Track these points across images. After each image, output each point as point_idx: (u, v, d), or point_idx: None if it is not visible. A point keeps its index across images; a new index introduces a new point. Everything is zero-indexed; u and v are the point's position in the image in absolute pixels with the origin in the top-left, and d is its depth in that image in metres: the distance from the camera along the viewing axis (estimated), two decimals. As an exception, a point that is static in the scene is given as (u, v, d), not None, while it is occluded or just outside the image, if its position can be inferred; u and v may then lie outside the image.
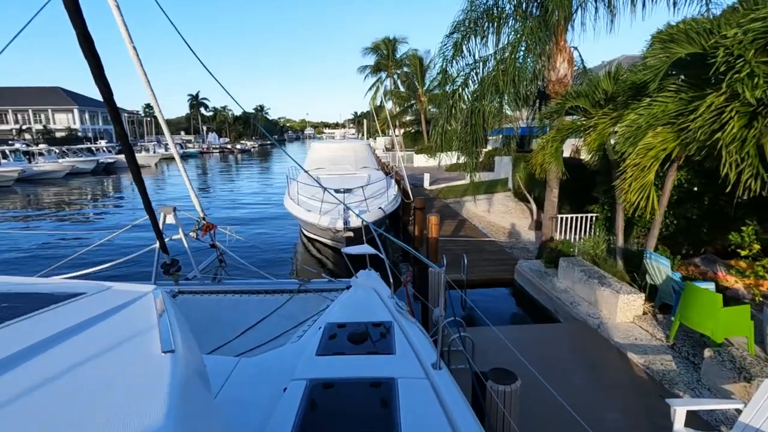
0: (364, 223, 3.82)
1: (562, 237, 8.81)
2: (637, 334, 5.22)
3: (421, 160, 31.36)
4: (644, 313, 5.60)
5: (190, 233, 4.72)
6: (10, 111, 56.16)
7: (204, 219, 5.01)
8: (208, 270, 5.00)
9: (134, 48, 3.81)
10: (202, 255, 4.93)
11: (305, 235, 11.55)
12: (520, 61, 7.33)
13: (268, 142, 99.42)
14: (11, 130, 53.45)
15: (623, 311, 5.51)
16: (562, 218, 8.46)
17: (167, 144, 58.77)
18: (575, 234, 8.62)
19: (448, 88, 8.99)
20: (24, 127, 53.77)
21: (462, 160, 9.46)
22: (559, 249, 7.88)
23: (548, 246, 8.86)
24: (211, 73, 4.08)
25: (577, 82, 8.96)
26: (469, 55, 8.87)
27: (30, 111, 56.45)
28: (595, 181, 8.20)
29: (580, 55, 9.24)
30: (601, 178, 7.46)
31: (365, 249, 4.09)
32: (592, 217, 8.40)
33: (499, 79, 7.27)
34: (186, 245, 4.64)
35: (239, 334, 3.71)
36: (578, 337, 5.44)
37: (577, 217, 8.55)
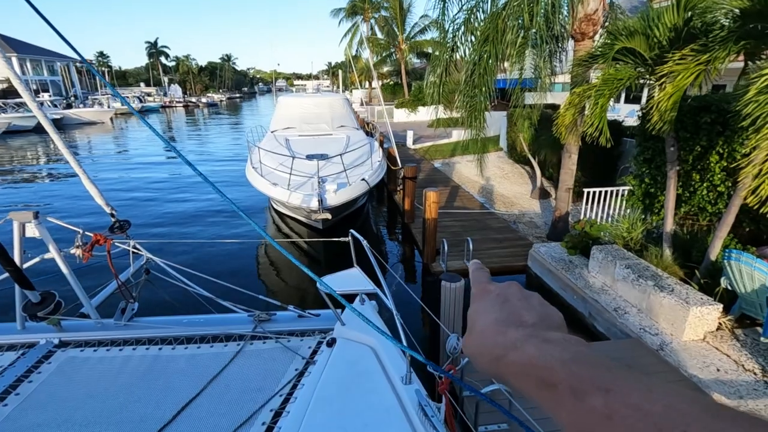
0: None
1: (581, 214, 7.41)
2: (717, 362, 3.94)
3: (401, 115, 29.27)
4: (719, 329, 4.31)
5: (72, 250, 2.96)
6: (-64, 58, 49.46)
7: (113, 216, 3.27)
8: (119, 296, 3.30)
9: None
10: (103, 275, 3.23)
11: (274, 209, 9.76)
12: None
13: (237, 95, 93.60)
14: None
15: (693, 327, 4.20)
16: (588, 192, 6.98)
17: (125, 96, 54.12)
18: (594, 209, 7.20)
19: (447, 26, 7.09)
20: (-45, 78, 47.69)
21: (460, 115, 7.74)
22: (585, 231, 6.48)
23: (568, 226, 7.47)
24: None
25: (605, 23, 7.22)
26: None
27: (-40, 59, 49.93)
28: (635, 147, 6.70)
29: (609, -14, 7.38)
30: (647, 144, 5.94)
31: (357, 282, 2.52)
32: (621, 191, 6.96)
33: (525, 11, 5.45)
34: (65, 269, 2.90)
35: None
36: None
37: (601, 192, 7.10)
